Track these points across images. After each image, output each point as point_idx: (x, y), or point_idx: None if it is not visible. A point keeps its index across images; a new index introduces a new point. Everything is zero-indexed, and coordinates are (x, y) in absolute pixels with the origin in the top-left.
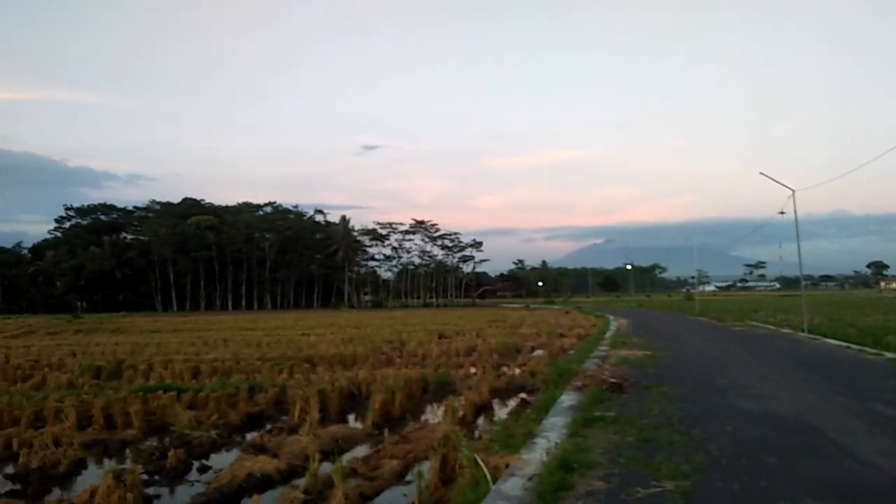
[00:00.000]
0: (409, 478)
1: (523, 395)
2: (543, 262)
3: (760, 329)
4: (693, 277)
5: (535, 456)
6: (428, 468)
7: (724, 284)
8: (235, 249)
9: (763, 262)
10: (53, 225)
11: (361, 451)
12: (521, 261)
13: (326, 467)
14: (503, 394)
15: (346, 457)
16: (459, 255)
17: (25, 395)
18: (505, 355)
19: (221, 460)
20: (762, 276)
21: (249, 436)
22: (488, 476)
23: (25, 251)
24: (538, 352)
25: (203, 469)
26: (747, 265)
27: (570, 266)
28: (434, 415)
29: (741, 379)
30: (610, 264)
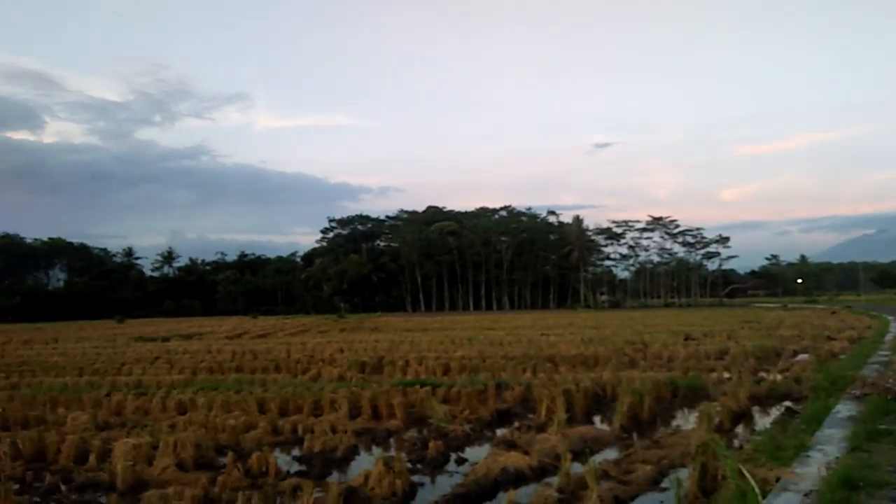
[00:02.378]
0: (664, 484)
1: (788, 404)
2: (802, 257)
3: None
4: None
5: (811, 470)
6: (686, 476)
7: None
8: (474, 253)
9: None
10: (320, 235)
11: (610, 453)
12: (774, 256)
13: (576, 468)
14: (763, 401)
15: (596, 458)
16: (703, 251)
17: (306, 385)
18: (762, 359)
19: (475, 454)
20: None
21: (499, 431)
22: (756, 489)
23: (299, 259)
24: (802, 356)
25: (460, 461)
26: None
27: (835, 260)
28: (685, 421)
29: None
30: (885, 257)
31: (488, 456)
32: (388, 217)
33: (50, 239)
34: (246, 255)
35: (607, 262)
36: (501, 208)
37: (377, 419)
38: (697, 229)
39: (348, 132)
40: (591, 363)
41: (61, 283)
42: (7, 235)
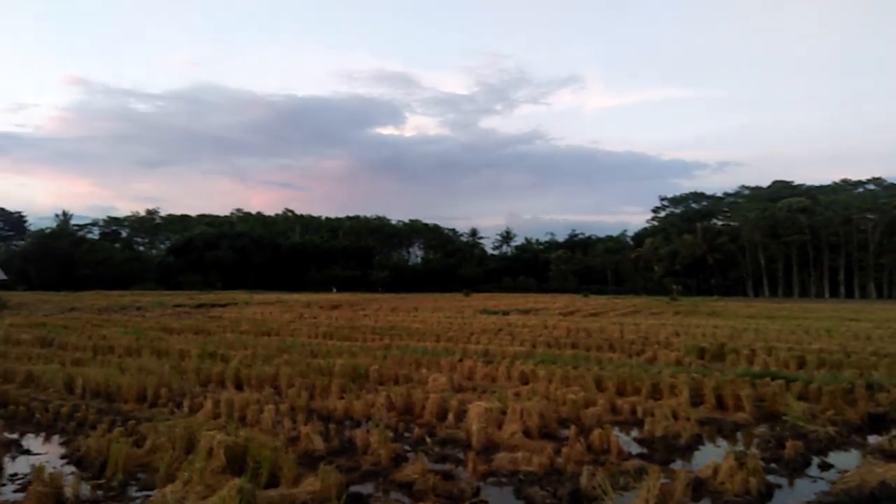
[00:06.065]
0: None
1: None
2: None
3: None
4: None
5: None
6: None
7: None
8: (831, 232)
9: None
10: (650, 215)
11: None
12: None
13: None
14: None
15: None
16: None
17: (642, 367)
18: None
19: (842, 460)
20: None
21: (871, 438)
22: None
23: (628, 239)
24: None
25: (824, 466)
26: None
27: None
28: None
29: None
30: None
31: (861, 465)
32: (726, 194)
33: (410, 221)
34: (576, 235)
35: None
36: (868, 180)
37: (722, 410)
38: None
39: (682, 105)
40: None
41: (419, 260)
42: (378, 218)
